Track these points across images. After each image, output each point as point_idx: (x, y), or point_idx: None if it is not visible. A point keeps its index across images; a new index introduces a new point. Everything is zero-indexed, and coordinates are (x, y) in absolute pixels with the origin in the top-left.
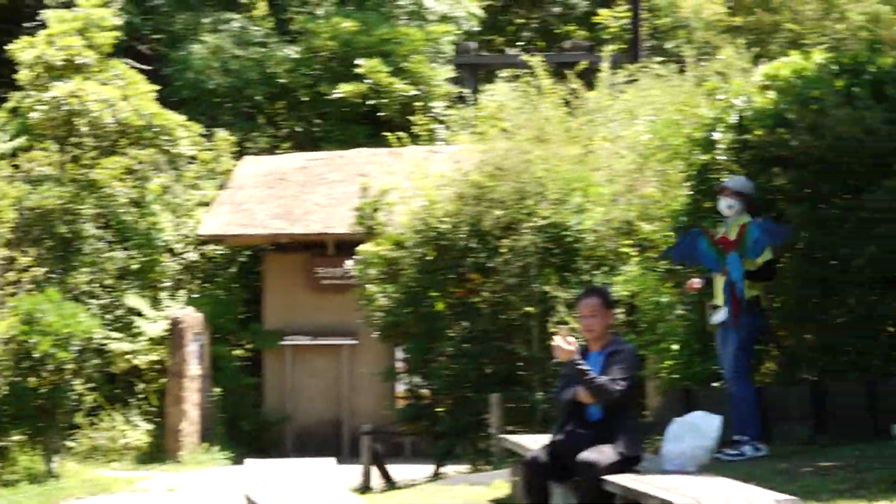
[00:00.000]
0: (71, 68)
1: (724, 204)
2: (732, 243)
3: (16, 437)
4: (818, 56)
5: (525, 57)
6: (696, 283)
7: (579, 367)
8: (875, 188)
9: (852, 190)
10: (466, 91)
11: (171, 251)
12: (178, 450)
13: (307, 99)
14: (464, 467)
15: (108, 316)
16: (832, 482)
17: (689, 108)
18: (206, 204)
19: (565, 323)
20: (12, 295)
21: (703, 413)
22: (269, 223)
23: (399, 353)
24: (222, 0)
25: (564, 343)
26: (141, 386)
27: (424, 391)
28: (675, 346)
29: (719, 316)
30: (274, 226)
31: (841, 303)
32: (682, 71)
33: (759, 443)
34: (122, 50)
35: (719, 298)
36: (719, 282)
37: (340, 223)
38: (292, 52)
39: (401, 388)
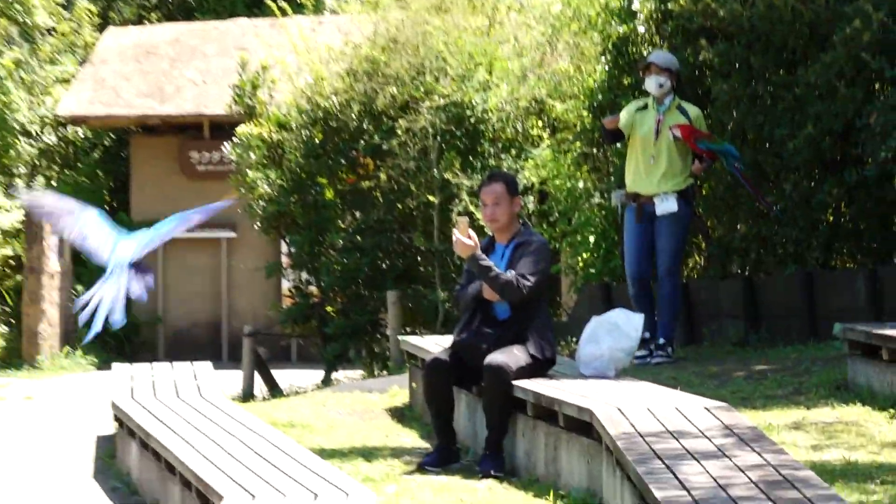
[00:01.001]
0: None
1: (654, 83)
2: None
3: None
4: None
5: None
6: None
7: (481, 262)
8: (812, 63)
9: (787, 65)
10: None
11: (26, 133)
12: (36, 354)
13: None
14: (357, 373)
15: None
16: (767, 387)
17: None
18: (66, 81)
19: (469, 213)
20: None
21: (623, 311)
22: (137, 102)
23: (284, 247)
24: None
25: (464, 237)
26: None
27: (312, 288)
28: (592, 238)
29: (668, 204)
30: (142, 105)
31: (775, 189)
32: None
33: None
34: None
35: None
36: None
37: (217, 102)
38: None
39: (286, 285)
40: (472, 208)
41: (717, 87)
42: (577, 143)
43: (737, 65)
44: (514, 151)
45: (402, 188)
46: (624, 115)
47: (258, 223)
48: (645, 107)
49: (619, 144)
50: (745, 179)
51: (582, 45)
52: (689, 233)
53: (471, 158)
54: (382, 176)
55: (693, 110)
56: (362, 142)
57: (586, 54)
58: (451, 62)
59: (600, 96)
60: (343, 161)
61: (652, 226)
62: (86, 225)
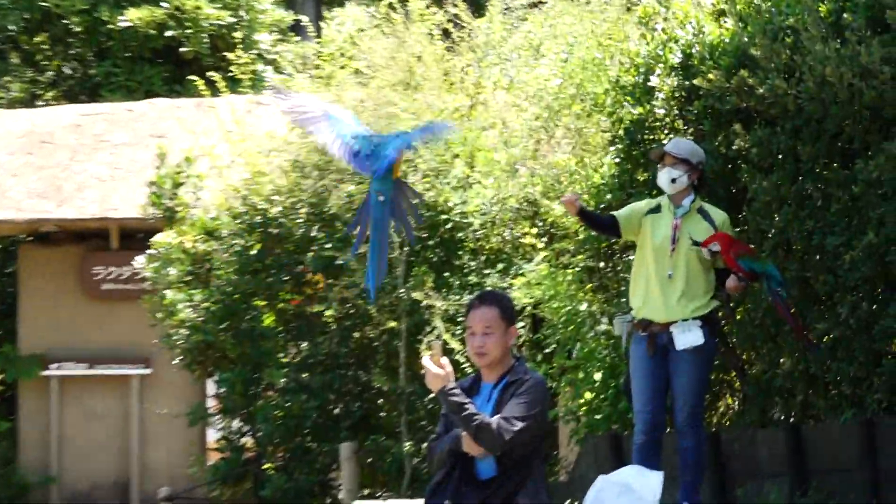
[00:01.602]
0: None
1: (666, 177)
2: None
3: None
4: None
5: None
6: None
7: (453, 398)
8: (874, 154)
9: (842, 156)
10: (304, 18)
11: None
12: None
13: (81, 30)
14: None
15: None
16: None
17: (615, 42)
18: None
19: (444, 344)
20: None
21: (637, 468)
22: (27, 204)
23: (211, 387)
24: None
25: (434, 365)
26: None
27: (247, 440)
28: (598, 375)
29: (691, 336)
30: (34, 208)
31: (828, 313)
32: None
33: None
34: None
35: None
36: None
37: (127, 204)
38: None
39: (213, 435)
40: (446, 337)
41: (754, 185)
42: (580, 256)
43: (780, 156)
44: (500, 266)
45: (359, 312)
46: (624, 213)
47: (179, 357)
48: (658, 208)
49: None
50: (786, 308)
51: (586, 132)
52: (713, 369)
53: (446, 275)
54: (335, 298)
55: (719, 215)
56: (311, 254)
57: (591, 143)
58: (421, 153)
59: (609, 195)
60: (286, 278)
61: (666, 361)
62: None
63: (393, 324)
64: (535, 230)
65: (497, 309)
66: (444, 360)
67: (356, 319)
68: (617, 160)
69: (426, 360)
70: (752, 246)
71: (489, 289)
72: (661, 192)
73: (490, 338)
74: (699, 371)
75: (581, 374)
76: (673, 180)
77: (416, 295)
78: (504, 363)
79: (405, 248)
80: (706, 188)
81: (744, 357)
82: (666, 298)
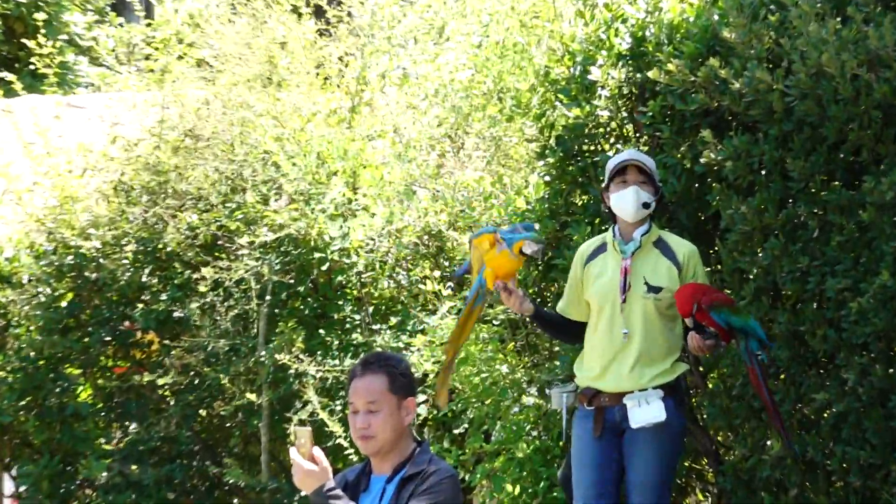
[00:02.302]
0: None
1: (633, 198)
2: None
3: None
4: None
5: None
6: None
7: (332, 500)
8: (888, 167)
9: (846, 171)
10: None
11: None
12: None
13: None
14: None
15: None
16: None
17: (543, 22)
18: None
19: (318, 427)
20: None
21: None
22: None
23: (8, 485)
24: None
25: (304, 459)
26: None
27: None
28: (523, 465)
29: (650, 410)
30: None
31: (830, 380)
32: None
33: None
34: None
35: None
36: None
37: None
38: None
39: None
40: (323, 415)
41: (730, 211)
42: (499, 307)
43: (763, 172)
44: (394, 320)
45: (206, 383)
46: (566, 296)
47: None
48: (603, 247)
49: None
50: (764, 378)
51: (506, 141)
52: (682, 453)
53: (321, 332)
54: (174, 364)
55: (682, 248)
56: (140, 306)
57: (513, 156)
58: (286, 169)
59: (537, 225)
60: (108, 339)
61: (619, 443)
62: None
63: (251, 397)
64: (438, 273)
65: (385, 377)
66: (318, 452)
67: (202, 392)
68: (547, 178)
69: (294, 452)
70: (728, 293)
71: (377, 350)
72: (602, 222)
73: (377, 416)
74: (661, 456)
75: (503, 463)
76: (646, 205)
77: (282, 358)
78: (400, 449)
79: (266, 298)
80: (664, 214)
81: (718, 439)
82: (618, 363)
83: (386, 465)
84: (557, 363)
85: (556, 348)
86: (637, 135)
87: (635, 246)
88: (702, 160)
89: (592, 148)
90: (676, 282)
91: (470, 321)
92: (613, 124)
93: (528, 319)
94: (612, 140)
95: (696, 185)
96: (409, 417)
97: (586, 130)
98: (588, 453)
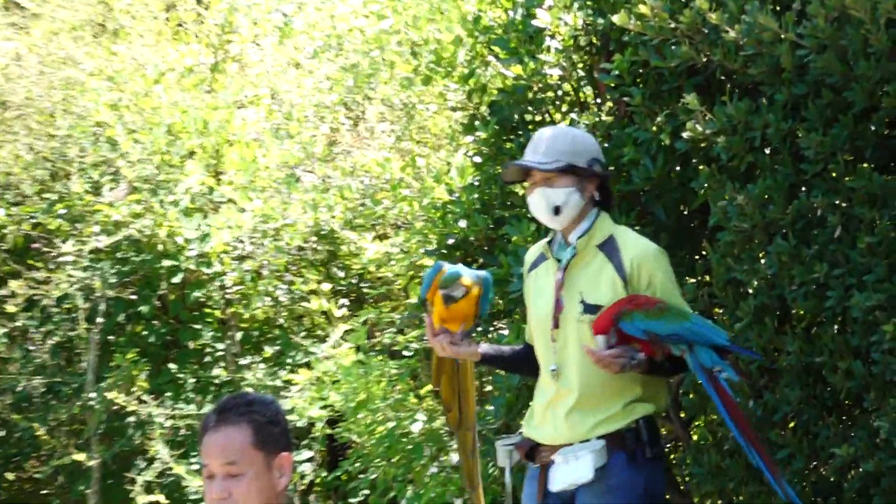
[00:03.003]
0: None
1: (544, 204)
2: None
3: None
4: None
5: None
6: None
7: None
8: None
9: (878, 148)
10: None
11: None
12: None
13: None
14: None
15: None
16: None
17: None
18: None
19: (171, 487)
20: None
21: None
22: None
23: None
24: None
25: None
26: None
27: None
28: None
29: (577, 468)
30: None
31: (855, 429)
32: None
33: None
34: None
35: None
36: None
37: None
38: None
39: None
40: (178, 469)
41: (723, 202)
42: (411, 333)
43: (767, 151)
44: (270, 350)
45: (16, 435)
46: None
47: None
48: (542, 258)
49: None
50: (728, 407)
51: (421, 110)
52: None
53: (171, 367)
54: None
55: (632, 249)
56: None
57: (432, 131)
58: (126, 148)
59: (464, 223)
60: None
61: None
62: None
63: (77, 455)
64: (329, 286)
65: (248, 428)
66: None
67: (9, 449)
68: (476, 159)
69: None
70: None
71: (236, 393)
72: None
73: (240, 482)
74: None
75: None
76: (556, 210)
77: (120, 401)
78: None
79: (98, 321)
80: (612, 203)
81: None
82: (553, 408)
83: None
84: (490, 407)
85: (488, 387)
86: (598, 101)
87: (571, 253)
88: (685, 134)
89: (538, 118)
90: (622, 297)
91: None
92: (567, 86)
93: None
94: (563, 108)
95: (678, 167)
96: (283, 480)
97: (530, 95)
98: None
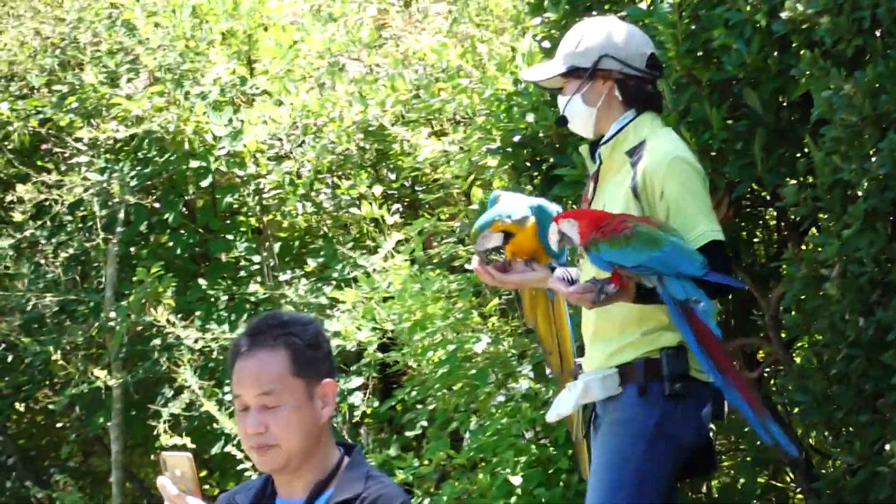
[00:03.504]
0: None
1: (568, 111)
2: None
3: None
4: None
5: None
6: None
7: None
8: None
9: None
10: None
11: None
12: None
13: None
14: None
15: None
16: None
17: None
18: None
19: (201, 421)
20: None
21: None
22: None
23: None
24: None
25: (173, 488)
26: None
27: None
28: (516, 479)
29: (562, 403)
30: None
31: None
32: None
33: None
34: None
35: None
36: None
37: None
38: None
39: None
40: (207, 406)
41: (827, 91)
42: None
43: (878, 33)
44: (312, 263)
45: (26, 361)
46: None
47: None
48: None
49: None
50: (706, 345)
51: None
52: (666, 463)
53: (202, 282)
54: None
55: (648, 158)
56: None
57: (493, 10)
58: (145, 33)
59: (531, 116)
60: None
61: None
62: None
63: (100, 375)
64: (380, 189)
65: (285, 353)
66: (189, 478)
67: (19, 376)
68: (546, 44)
69: (163, 481)
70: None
71: (270, 312)
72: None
73: (277, 414)
74: (613, 462)
75: (482, 481)
76: (561, 120)
77: (143, 322)
78: (317, 461)
79: (118, 230)
80: (658, 102)
81: (810, 441)
82: (587, 334)
83: (298, 485)
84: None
85: None
86: None
87: (598, 162)
88: (783, 14)
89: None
90: (637, 214)
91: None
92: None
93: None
94: None
95: (776, 52)
96: (327, 411)
97: None
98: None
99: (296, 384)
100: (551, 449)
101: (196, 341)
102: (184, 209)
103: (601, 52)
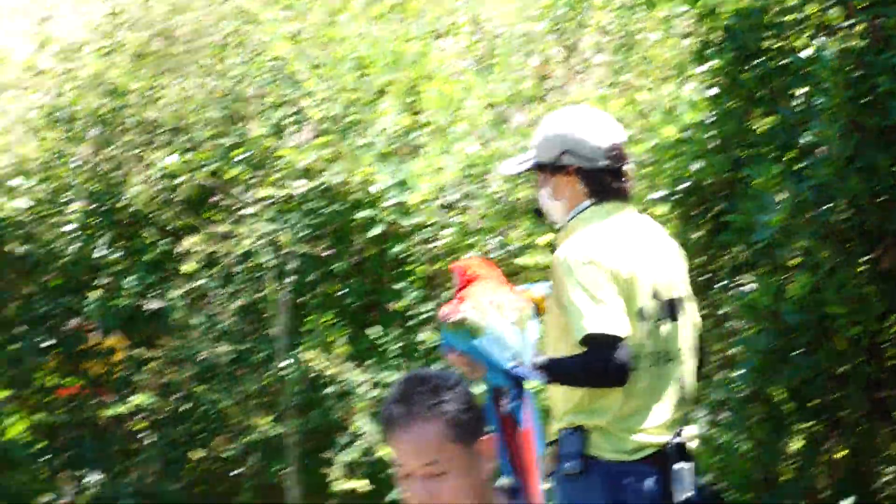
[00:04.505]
0: None
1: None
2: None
3: None
4: None
5: None
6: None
7: None
8: None
9: None
10: None
11: None
12: None
13: None
14: None
15: None
16: None
17: None
18: None
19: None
20: None
21: None
22: None
23: None
24: None
25: None
26: None
27: None
28: None
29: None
30: None
31: None
32: None
33: None
34: None
35: None
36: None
37: None
38: None
39: None
40: (380, 452)
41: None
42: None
43: None
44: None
45: (201, 409)
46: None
47: None
48: None
49: None
50: (508, 438)
51: (641, 39)
52: None
53: (371, 333)
54: (149, 381)
55: (558, 251)
56: (94, 294)
57: (654, 61)
58: (309, 86)
59: (698, 164)
60: (47, 344)
61: None
62: None
63: (269, 428)
64: (544, 240)
65: (441, 424)
66: None
67: (193, 425)
68: (711, 92)
69: None
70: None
71: (412, 373)
72: (797, 158)
73: (442, 483)
74: None
75: None
76: (536, 212)
77: (316, 369)
78: None
79: (288, 280)
80: (610, 193)
81: None
82: None
83: None
84: (737, 373)
85: (731, 350)
86: (848, 23)
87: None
88: None
89: (778, 45)
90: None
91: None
92: (810, 7)
93: None
94: (807, 32)
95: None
96: (489, 466)
97: (767, 18)
98: None
99: (458, 450)
100: None
101: (370, 388)
102: (353, 259)
103: (562, 148)
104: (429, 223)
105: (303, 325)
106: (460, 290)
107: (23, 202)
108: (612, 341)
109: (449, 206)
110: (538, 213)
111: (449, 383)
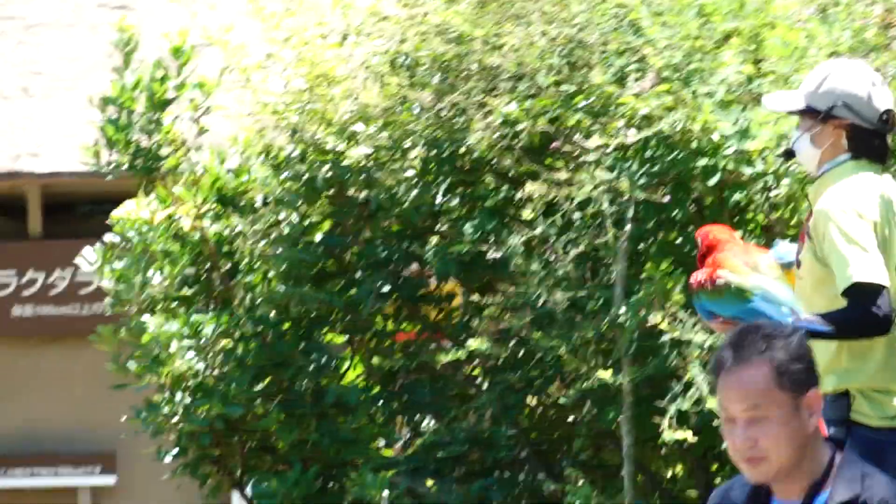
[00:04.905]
0: None
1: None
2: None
3: None
4: None
5: None
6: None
7: None
8: None
9: None
10: None
11: None
12: None
13: None
14: None
15: None
16: None
17: None
18: None
19: (705, 420)
20: None
21: None
22: None
23: None
24: None
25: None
26: None
27: None
28: None
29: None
30: None
31: None
32: None
33: None
34: None
35: None
36: None
37: (59, 147)
38: None
39: None
40: (711, 403)
41: None
42: None
43: None
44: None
45: (537, 357)
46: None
47: (171, 451)
48: None
49: None
50: None
51: None
52: None
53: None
54: (487, 327)
55: (822, 200)
56: (434, 241)
57: None
58: (652, 33)
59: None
60: (386, 290)
61: None
62: None
63: (605, 377)
64: None
65: (768, 369)
66: None
67: (530, 371)
68: None
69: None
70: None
71: (750, 324)
72: None
73: (765, 427)
74: None
75: None
76: (787, 153)
77: (653, 319)
78: (808, 466)
79: (627, 227)
80: (874, 153)
81: None
82: None
83: (793, 488)
84: None
85: None
86: None
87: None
88: None
89: None
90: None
91: None
92: None
93: None
94: None
95: None
96: (813, 420)
97: None
98: None
99: (782, 398)
100: None
101: (704, 340)
102: (693, 207)
103: (838, 100)
104: (769, 171)
105: (641, 273)
106: (703, 256)
107: (365, 148)
108: (877, 290)
109: (788, 154)
110: (789, 155)
111: (783, 332)
